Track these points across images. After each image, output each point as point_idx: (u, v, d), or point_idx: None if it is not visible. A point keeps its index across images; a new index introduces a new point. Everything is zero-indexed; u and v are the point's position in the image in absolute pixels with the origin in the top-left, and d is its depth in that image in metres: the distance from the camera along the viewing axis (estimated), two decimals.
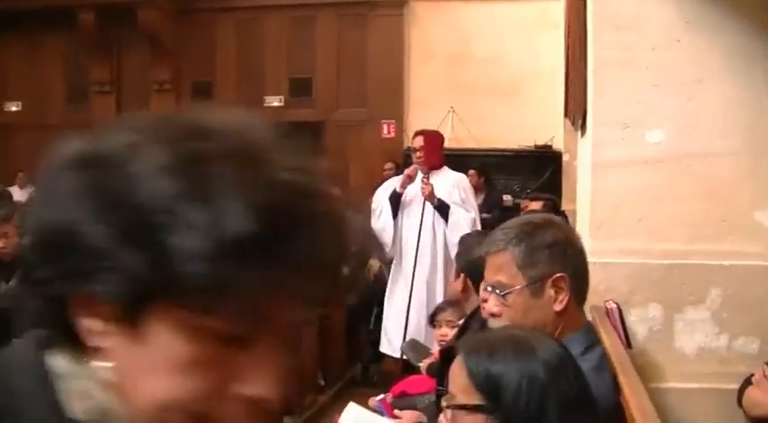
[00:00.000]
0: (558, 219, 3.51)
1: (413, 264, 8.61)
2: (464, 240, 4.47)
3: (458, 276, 4.50)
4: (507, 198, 14.47)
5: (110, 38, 17.67)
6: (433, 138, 9.08)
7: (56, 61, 18.38)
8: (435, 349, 5.93)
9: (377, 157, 15.76)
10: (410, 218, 8.79)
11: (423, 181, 8.60)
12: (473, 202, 8.98)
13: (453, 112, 15.62)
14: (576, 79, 5.99)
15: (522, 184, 15.14)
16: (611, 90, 4.81)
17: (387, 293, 9.02)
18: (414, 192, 8.76)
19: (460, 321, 4.77)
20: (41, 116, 18.23)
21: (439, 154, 8.97)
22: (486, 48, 15.85)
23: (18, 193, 15.07)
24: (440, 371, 4.42)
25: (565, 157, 14.05)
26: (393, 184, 8.97)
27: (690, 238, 4.80)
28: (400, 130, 16.27)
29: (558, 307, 2.94)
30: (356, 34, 16.74)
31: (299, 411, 8.01)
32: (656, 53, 4.79)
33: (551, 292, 2.95)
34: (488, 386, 2.32)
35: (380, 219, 8.73)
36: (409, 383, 5.88)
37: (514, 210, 12.84)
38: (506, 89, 15.45)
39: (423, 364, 5.87)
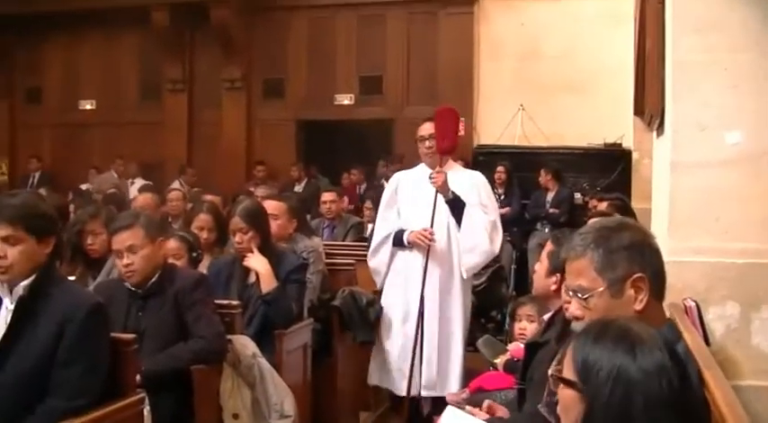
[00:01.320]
0: (632, 221, 3.59)
1: (421, 279, 7.10)
2: (558, 239, 4.52)
3: (551, 274, 4.56)
4: (577, 196, 14.46)
5: (182, 36, 17.90)
6: (445, 115, 7.23)
7: (129, 60, 18.67)
8: (511, 346, 6.01)
9: None
10: (416, 220, 7.21)
11: (433, 172, 7.08)
12: (494, 205, 7.54)
13: (523, 109, 15.62)
14: (653, 80, 6.06)
15: (591, 181, 15.06)
16: (690, 92, 4.87)
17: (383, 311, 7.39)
18: (420, 186, 7.28)
19: (543, 316, 4.84)
20: (115, 114, 18.54)
21: (454, 136, 7.19)
22: (555, 45, 15.84)
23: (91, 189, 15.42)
24: (524, 365, 4.53)
25: (635, 155, 14.01)
26: (391, 199, 7.53)
27: (766, 238, 4.86)
28: (470, 127, 16.21)
29: (638, 306, 3.02)
30: (426, 32, 16.79)
31: (374, 406, 8.11)
32: (735, 55, 4.85)
33: (631, 292, 3.03)
34: (583, 368, 2.47)
35: (377, 256, 7.43)
36: (485, 379, 5.95)
37: (584, 207, 12.85)
38: (576, 86, 15.41)
39: (499, 361, 5.94)
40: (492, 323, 9.85)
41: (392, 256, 7.36)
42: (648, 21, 6.68)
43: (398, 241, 7.27)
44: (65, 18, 17.87)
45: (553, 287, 4.47)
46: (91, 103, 18.95)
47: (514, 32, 16.18)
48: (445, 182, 7.01)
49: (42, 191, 13.73)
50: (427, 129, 7.24)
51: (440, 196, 7.09)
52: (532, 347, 4.45)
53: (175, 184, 15.39)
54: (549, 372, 2.64)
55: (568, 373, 2.52)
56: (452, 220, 7.18)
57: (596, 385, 2.43)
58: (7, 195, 4.23)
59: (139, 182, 16.41)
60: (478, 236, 7.11)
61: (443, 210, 7.16)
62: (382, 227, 7.46)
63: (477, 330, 9.17)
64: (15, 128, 19.53)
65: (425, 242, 7.03)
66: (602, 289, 3.03)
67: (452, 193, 7.12)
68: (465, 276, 7.24)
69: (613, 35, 14.94)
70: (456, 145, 7.31)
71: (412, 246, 7.18)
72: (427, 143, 7.22)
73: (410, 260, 7.24)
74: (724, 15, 4.85)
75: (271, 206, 7.12)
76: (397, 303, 7.30)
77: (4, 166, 19.42)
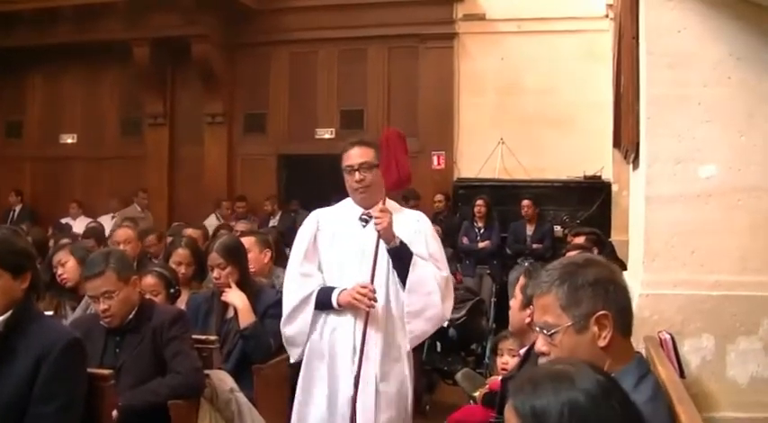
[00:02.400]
0: (599, 258, 3.60)
1: (353, 353, 5.35)
2: (531, 273, 4.52)
3: (525, 307, 4.58)
4: (557, 229, 14.50)
5: (164, 71, 17.89)
6: (393, 140, 5.70)
7: (111, 94, 18.63)
8: (490, 380, 6.02)
9: (427, 189, 15.80)
10: (349, 274, 5.47)
11: (373, 211, 5.44)
12: (442, 256, 5.62)
13: (503, 143, 15.68)
14: (628, 114, 6.10)
15: (571, 214, 15.11)
16: (664, 126, 4.92)
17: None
18: (349, 231, 5.60)
19: (522, 350, 4.86)
20: (96, 149, 18.51)
21: (406, 165, 5.63)
22: (535, 79, 15.93)
23: (73, 223, 15.37)
24: (501, 398, 4.54)
25: (614, 188, 14.10)
26: (311, 248, 5.64)
27: (741, 270, 4.90)
28: (451, 161, 16.34)
29: (602, 343, 3.03)
30: (406, 66, 16.86)
31: None
32: (708, 90, 4.90)
33: (595, 328, 3.04)
34: (533, 421, 2.41)
35: (294, 323, 5.54)
36: (465, 413, 5.97)
37: (564, 241, 12.87)
38: (556, 120, 15.48)
39: (477, 394, 5.95)
40: (472, 357, 9.83)
41: (315, 322, 5.46)
42: (623, 56, 6.74)
43: (324, 303, 5.42)
44: (46, 52, 17.84)
45: (527, 320, 4.48)
46: (72, 137, 18.89)
47: (494, 67, 16.26)
48: (391, 224, 5.31)
49: (24, 226, 13.71)
50: (356, 156, 5.54)
51: (382, 243, 5.38)
52: (509, 381, 4.44)
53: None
54: None
55: None
56: (394, 276, 5.43)
57: None
58: None
59: (119, 216, 16.46)
60: (429, 295, 5.37)
61: (384, 261, 5.41)
62: (300, 284, 5.52)
63: (457, 364, 9.17)
64: None
65: (366, 303, 5.23)
66: (567, 325, 3.04)
67: (399, 239, 5.36)
68: (409, 348, 5.49)
69: (593, 70, 15.01)
70: (410, 176, 5.61)
71: (344, 309, 5.36)
72: (357, 175, 5.49)
73: (341, 328, 5.42)
74: (697, 51, 4.90)
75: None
76: (320, 385, 5.43)
77: None
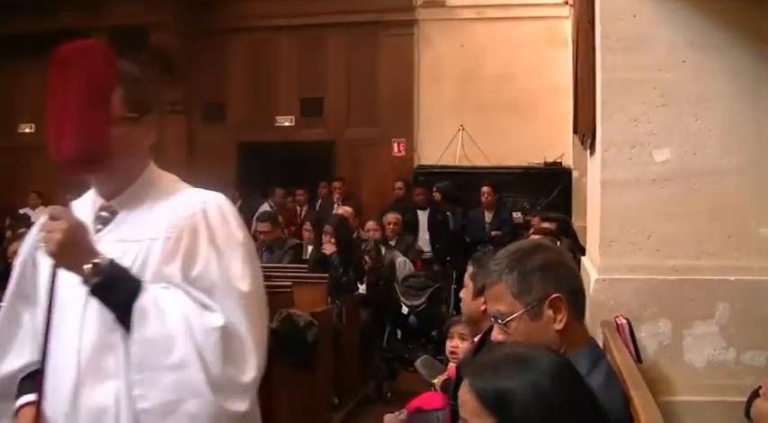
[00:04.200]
0: (547, 242, 3.58)
1: None
2: (479, 259, 4.48)
3: (477, 296, 4.55)
4: (517, 215, 14.46)
5: (122, 58, 17.70)
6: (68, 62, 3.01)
7: None
8: (450, 366, 6.00)
9: (388, 176, 15.80)
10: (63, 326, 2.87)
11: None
12: (235, 275, 2.88)
13: (463, 129, 15.68)
14: (584, 99, 6.09)
15: (531, 200, 15.17)
16: (619, 110, 4.90)
17: None
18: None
19: (475, 338, 4.82)
20: None
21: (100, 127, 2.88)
22: (495, 66, 15.93)
23: (32, 214, 15.21)
24: (455, 386, 4.52)
25: (575, 174, 14.14)
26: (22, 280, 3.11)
27: (697, 255, 4.90)
28: (411, 148, 16.34)
29: (558, 326, 3.00)
30: (367, 54, 16.84)
31: None
32: (663, 74, 4.89)
33: (550, 312, 3.00)
34: (498, 404, 2.38)
35: None
36: (424, 400, 5.93)
37: (524, 227, 12.86)
38: (516, 107, 15.50)
39: (437, 381, 5.93)
40: (432, 344, 9.82)
41: None
42: (579, 40, 6.72)
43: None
44: (2, 42, 17.68)
45: (482, 307, 4.46)
46: (30, 126, 18.72)
47: (454, 54, 16.25)
48: (73, 241, 2.79)
49: None
50: None
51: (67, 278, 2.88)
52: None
53: None
54: None
55: (479, 418, 2.42)
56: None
57: (521, 413, 2.38)
58: None
59: None
60: (177, 374, 2.76)
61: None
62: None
63: (418, 351, 9.16)
64: None
65: None
66: (520, 312, 3.00)
67: (103, 263, 2.78)
68: None
69: (553, 56, 15.03)
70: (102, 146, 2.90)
71: None
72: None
73: None
74: (651, 34, 4.89)
75: None
76: None
77: None
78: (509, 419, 2.37)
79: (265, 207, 15.49)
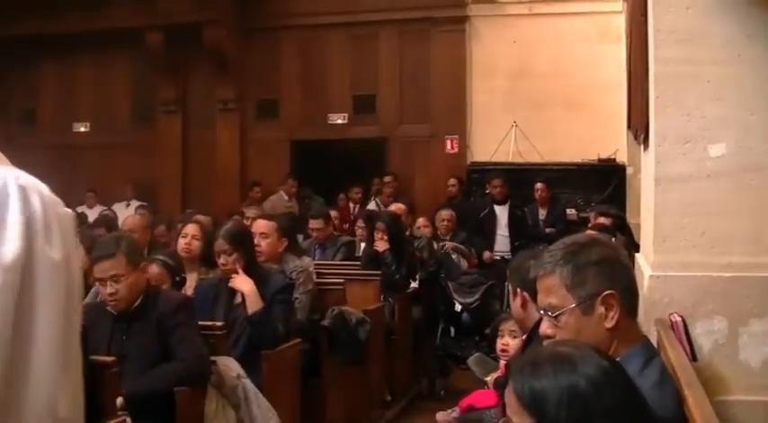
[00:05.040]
0: (603, 237, 3.53)
1: None
2: (515, 259, 4.48)
3: (515, 295, 4.54)
4: (571, 212, 14.37)
5: (176, 58, 17.81)
6: None
7: (123, 81, 18.61)
8: (501, 364, 5.95)
9: (441, 173, 15.84)
10: None
11: None
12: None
13: (516, 126, 15.59)
14: (637, 93, 6.02)
15: (585, 197, 15.00)
16: (673, 105, 4.83)
17: None
18: None
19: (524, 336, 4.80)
20: (109, 136, 18.47)
21: None
22: (548, 61, 15.83)
23: (88, 213, 15.33)
24: (504, 384, 4.49)
25: (629, 171, 13.98)
26: None
27: (753, 251, 4.80)
28: (464, 145, 16.27)
29: (609, 324, 2.94)
30: (418, 50, 16.79)
31: None
32: (718, 67, 4.80)
33: (601, 309, 2.95)
34: (533, 404, 2.35)
35: None
36: (476, 397, 5.90)
37: (578, 224, 12.76)
38: (570, 103, 15.38)
39: (489, 379, 5.88)
40: (485, 341, 9.75)
41: None
42: (633, 34, 6.64)
43: None
44: (59, 40, 17.81)
45: (519, 304, 4.46)
46: (85, 125, 18.89)
47: (506, 50, 16.16)
48: None
49: None
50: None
51: None
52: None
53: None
54: None
55: (520, 418, 2.40)
56: None
57: (552, 415, 2.33)
58: None
59: (135, 204, 16.39)
60: None
61: None
62: None
63: (471, 348, 9.11)
64: (9, 150, 19.34)
65: None
66: (572, 306, 2.95)
67: None
68: None
69: (606, 51, 14.93)
70: None
71: None
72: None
73: None
74: (706, 27, 4.81)
75: (261, 225, 7.15)
76: None
77: None
78: (546, 420, 2.34)
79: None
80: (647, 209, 5.34)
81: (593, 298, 2.94)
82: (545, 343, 3.02)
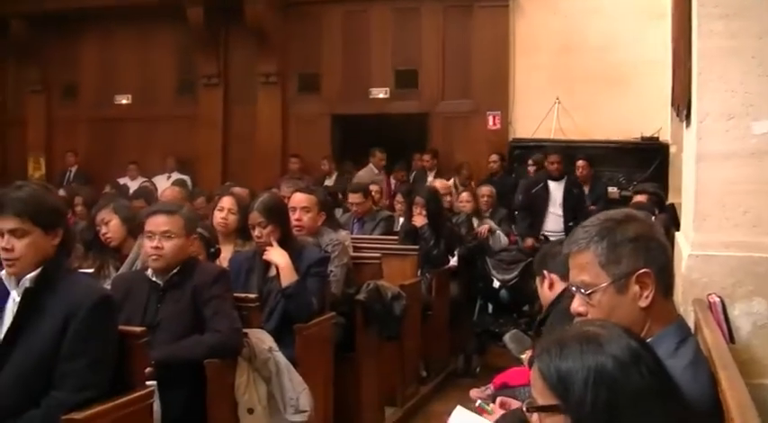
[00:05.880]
0: (639, 213, 3.45)
1: None
2: (545, 247, 4.56)
3: (543, 278, 4.53)
4: (613, 190, 14.28)
5: (217, 31, 17.84)
6: None
7: (165, 55, 18.64)
8: None
9: (483, 149, 15.76)
10: None
11: None
12: None
13: (559, 102, 15.46)
14: (680, 69, 5.91)
15: (627, 176, 14.92)
16: (716, 80, 4.72)
17: None
18: None
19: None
20: (151, 109, 18.55)
21: None
22: (592, 38, 15.64)
23: (130, 184, 15.40)
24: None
25: (672, 149, 13.84)
26: None
27: None
28: (506, 121, 16.16)
29: (643, 303, 2.88)
30: (461, 25, 16.65)
31: (400, 402, 8.05)
32: (763, 41, 4.69)
33: (636, 288, 2.88)
34: (559, 384, 2.32)
35: None
36: (511, 375, 5.85)
37: (620, 202, 12.65)
38: (613, 80, 15.20)
39: (525, 356, 5.83)
40: (524, 318, 9.71)
41: None
42: (675, 8, 6.53)
43: None
44: (101, 13, 17.93)
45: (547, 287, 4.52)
46: (127, 97, 18.98)
47: (550, 25, 15.99)
48: None
49: (74, 184, 13.75)
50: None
51: None
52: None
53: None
54: (524, 409, 2.48)
55: (545, 398, 2.37)
56: None
57: (578, 396, 2.27)
58: (14, 188, 4.17)
59: (175, 176, 16.47)
60: None
61: None
62: None
63: (509, 326, 9.07)
64: (52, 123, 19.57)
65: None
66: (605, 284, 2.88)
67: None
68: None
69: (650, 27, 14.72)
70: None
71: None
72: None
73: None
74: (751, 1, 4.70)
75: (302, 199, 7.13)
76: None
77: (41, 161, 19.48)
78: (571, 402, 2.28)
79: (368, 171, 15.41)
80: (688, 186, 5.25)
81: (628, 276, 2.87)
82: (575, 321, 2.95)
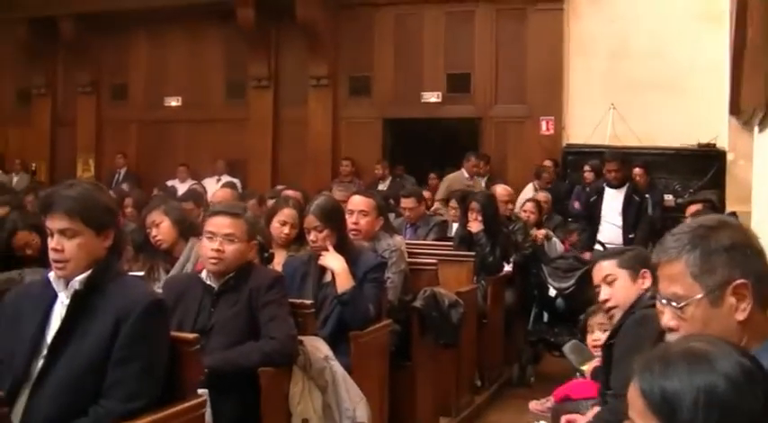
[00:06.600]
0: (732, 219, 3.25)
1: None
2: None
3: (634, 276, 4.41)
4: (668, 198, 14.10)
5: (268, 33, 17.82)
6: None
7: (215, 56, 18.67)
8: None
9: (536, 155, 15.61)
10: None
11: None
12: None
13: (614, 108, 15.25)
14: (753, 72, 5.71)
15: (683, 183, 14.72)
16: None
17: None
18: None
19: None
20: (200, 111, 18.57)
21: None
22: (647, 42, 15.44)
23: (179, 187, 15.37)
24: (606, 372, 4.35)
25: (729, 157, 13.60)
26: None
27: None
28: (560, 127, 15.96)
29: (740, 316, 2.66)
30: (515, 29, 16.48)
31: (455, 412, 7.89)
32: None
33: (732, 300, 2.66)
34: (664, 406, 2.11)
35: None
36: (572, 388, 5.70)
37: (676, 210, 12.46)
38: (668, 85, 14.98)
39: (586, 368, 5.67)
40: (579, 328, 9.51)
41: None
42: (751, 9, 6.32)
43: None
44: (150, 14, 17.96)
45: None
46: (176, 99, 19.03)
47: (605, 29, 15.80)
48: None
49: (125, 186, 13.72)
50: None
51: None
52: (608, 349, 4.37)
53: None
54: None
55: (645, 420, 2.16)
56: None
57: (686, 419, 2.07)
58: (65, 186, 4.02)
59: (225, 178, 16.42)
60: None
61: None
62: None
63: (564, 335, 8.90)
64: (101, 124, 19.68)
65: None
66: (699, 296, 2.67)
67: None
68: None
69: (706, 32, 14.59)
70: None
71: None
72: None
73: None
74: None
75: (360, 202, 6.99)
76: None
77: (90, 162, 19.54)
78: None
79: (459, 176, 15.06)
80: (763, 193, 5.04)
81: (723, 287, 2.65)
82: (669, 337, 2.76)
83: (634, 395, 2.18)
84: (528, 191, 14.37)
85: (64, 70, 20.04)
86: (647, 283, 4.56)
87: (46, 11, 18.50)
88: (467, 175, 14.74)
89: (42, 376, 3.74)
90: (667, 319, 2.76)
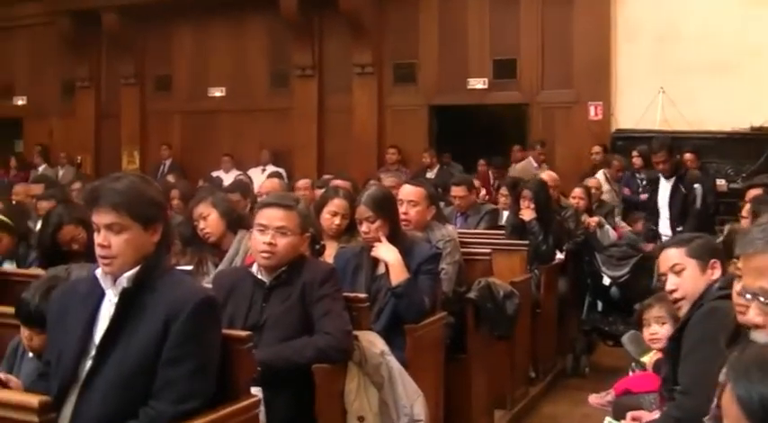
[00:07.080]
0: None
1: None
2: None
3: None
4: (721, 182, 13.86)
5: (311, 22, 17.76)
6: None
7: (258, 46, 18.65)
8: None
9: (584, 140, 15.43)
10: None
11: None
12: None
13: (663, 92, 15.05)
14: None
15: (735, 167, 14.52)
16: None
17: None
18: None
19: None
20: (245, 101, 18.55)
21: None
22: (695, 24, 15.23)
23: (224, 177, 15.30)
24: (674, 369, 4.21)
25: None
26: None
27: None
28: (608, 112, 15.76)
29: None
30: (561, 13, 16.28)
31: (510, 404, 7.76)
32: None
33: None
34: (764, 414, 1.97)
35: None
36: (633, 381, 5.56)
37: (729, 195, 12.25)
38: (719, 67, 14.73)
39: (647, 360, 5.52)
40: (634, 317, 9.34)
41: None
42: None
43: None
44: (193, 5, 18.04)
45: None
46: (220, 90, 19.06)
47: (652, 12, 15.60)
48: None
49: (170, 178, 13.66)
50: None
51: None
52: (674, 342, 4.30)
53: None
54: None
55: None
56: None
57: None
58: (111, 178, 3.87)
59: (270, 168, 16.35)
60: None
61: None
62: None
63: (619, 324, 8.75)
64: (146, 116, 19.75)
65: None
66: None
67: None
68: None
69: (755, 13, 14.37)
70: None
71: None
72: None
73: None
74: None
75: (410, 192, 6.88)
76: None
77: (135, 154, 19.57)
78: None
79: (527, 164, 14.83)
80: None
81: None
82: (755, 335, 2.59)
83: (729, 401, 2.03)
84: (600, 180, 13.82)
85: (107, 62, 20.15)
86: (717, 273, 4.38)
87: (89, 3, 18.64)
88: (535, 164, 14.59)
89: (91, 377, 3.62)
90: (754, 314, 2.59)
